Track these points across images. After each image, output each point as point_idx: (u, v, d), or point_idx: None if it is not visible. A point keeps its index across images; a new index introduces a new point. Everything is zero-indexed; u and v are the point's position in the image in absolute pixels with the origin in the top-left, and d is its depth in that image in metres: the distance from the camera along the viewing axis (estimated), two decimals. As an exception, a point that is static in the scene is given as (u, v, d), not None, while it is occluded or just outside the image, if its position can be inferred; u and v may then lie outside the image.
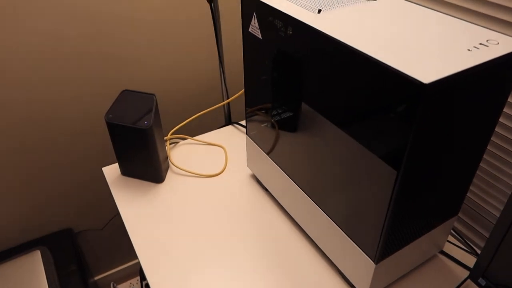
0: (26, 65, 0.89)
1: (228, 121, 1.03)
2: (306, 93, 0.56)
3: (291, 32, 0.54)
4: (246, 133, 0.78)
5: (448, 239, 0.72)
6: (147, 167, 0.82)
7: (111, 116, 0.78)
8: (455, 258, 0.68)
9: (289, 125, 0.63)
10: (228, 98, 0.98)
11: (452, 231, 0.73)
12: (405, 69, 0.40)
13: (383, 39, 0.46)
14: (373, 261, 0.54)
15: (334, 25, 0.49)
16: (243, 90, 0.94)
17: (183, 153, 0.92)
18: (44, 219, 1.12)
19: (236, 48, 1.15)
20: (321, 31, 0.48)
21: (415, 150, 0.44)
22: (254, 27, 0.61)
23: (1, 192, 1.02)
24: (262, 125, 0.71)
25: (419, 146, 0.44)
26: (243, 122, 1.00)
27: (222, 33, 1.08)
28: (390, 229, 0.51)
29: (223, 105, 1.00)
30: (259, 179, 0.80)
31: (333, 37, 0.47)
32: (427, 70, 0.39)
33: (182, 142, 0.95)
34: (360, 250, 0.56)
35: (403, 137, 0.43)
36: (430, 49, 0.43)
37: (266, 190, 0.81)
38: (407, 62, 0.41)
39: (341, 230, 0.59)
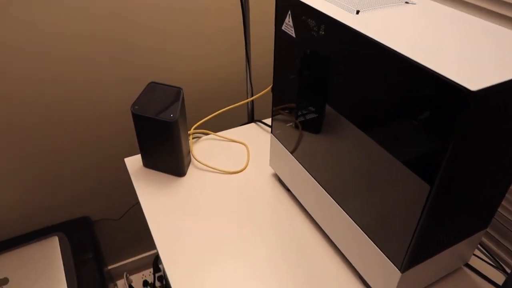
0: (58, 49, 0.90)
1: (251, 119, 1.03)
2: (335, 95, 0.55)
3: (323, 32, 0.53)
4: (271, 132, 0.77)
5: (475, 252, 0.70)
6: (170, 160, 0.82)
7: (137, 107, 0.78)
8: (480, 272, 0.66)
9: (316, 127, 0.62)
10: (252, 95, 0.98)
11: (478, 245, 0.71)
12: (450, 74, 0.38)
13: (424, 43, 0.44)
14: (399, 270, 0.53)
15: (373, 26, 0.48)
16: (268, 88, 0.93)
17: (205, 148, 0.91)
18: (63, 205, 1.13)
19: (262, 44, 1.14)
20: (361, 32, 0.47)
21: (452, 164, 0.42)
22: (288, 25, 0.60)
23: (23, 176, 1.03)
24: (288, 125, 0.70)
25: (457, 159, 0.42)
26: (266, 120, 1.00)
27: (251, 28, 1.08)
28: (419, 239, 0.49)
29: (247, 102, 0.99)
30: (282, 179, 0.79)
31: (373, 38, 0.45)
32: (474, 76, 0.38)
33: (204, 137, 0.95)
34: (386, 258, 0.55)
35: (441, 149, 0.41)
36: (476, 56, 0.42)
37: (288, 190, 0.81)
38: (452, 67, 0.39)
39: (366, 236, 0.58)
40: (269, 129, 0.97)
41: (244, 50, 1.12)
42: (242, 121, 1.22)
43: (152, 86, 0.82)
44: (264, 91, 0.96)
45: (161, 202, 0.78)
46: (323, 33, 0.53)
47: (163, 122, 0.75)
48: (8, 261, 0.97)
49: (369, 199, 0.55)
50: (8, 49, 0.86)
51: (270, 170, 0.86)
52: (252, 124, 1.00)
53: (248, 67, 0.94)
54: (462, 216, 0.53)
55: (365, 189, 0.55)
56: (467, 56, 0.42)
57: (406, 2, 0.55)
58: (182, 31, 1.01)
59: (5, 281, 0.92)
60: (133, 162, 0.87)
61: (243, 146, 0.92)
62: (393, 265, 0.54)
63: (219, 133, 0.96)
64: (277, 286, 0.63)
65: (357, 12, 0.52)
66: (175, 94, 0.79)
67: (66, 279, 0.93)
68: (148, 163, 0.85)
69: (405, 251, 0.51)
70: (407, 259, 0.51)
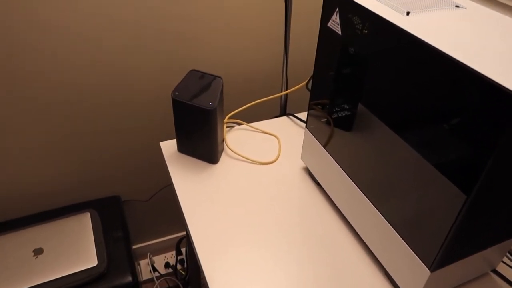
0: (103, 34, 0.94)
1: (284, 112, 1.04)
2: (377, 96, 0.56)
3: (371, 31, 0.54)
4: (306, 126, 0.78)
5: (503, 259, 0.70)
6: (204, 146, 0.84)
7: (177, 93, 0.80)
8: (507, 279, 0.66)
9: (351, 125, 0.63)
10: (287, 88, 0.99)
11: (508, 252, 0.71)
12: (498, 78, 0.39)
13: (474, 47, 0.45)
14: (429, 269, 0.54)
15: (423, 28, 0.49)
16: (303, 83, 0.94)
17: (238, 138, 0.93)
18: (96, 184, 1.18)
19: (300, 40, 1.15)
20: (411, 33, 0.48)
21: (492, 174, 0.42)
22: (335, 23, 0.61)
23: (61, 154, 1.08)
24: (323, 120, 0.71)
25: (497, 169, 0.42)
26: (298, 115, 1.01)
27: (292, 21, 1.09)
28: (451, 242, 0.50)
29: (281, 96, 1.00)
30: (313, 173, 0.81)
31: (423, 40, 0.46)
32: (525, 84, 0.38)
33: (237, 127, 0.97)
34: (416, 257, 0.56)
35: (482, 159, 0.41)
36: (527, 64, 0.42)
37: (318, 184, 0.82)
38: (501, 72, 0.40)
39: (397, 234, 0.59)
40: (301, 123, 0.99)
41: (283, 45, 1.13)
42: (274, 113, 1.24)
43: (193, 74, 0.84)
44: (299, 86, 0.97)
45: (193, 186, 0.80)
46: (370, 32, 0.54)
47: (202, 109, 0.78)
48: (43, 232, 1.01)
49: (401, 198, 0.56)
50: (53, 31, 0.89)
51: (301, 164, 0.87)
52: (284, 117, 1.01)
53: (285, 61, 0.95)
54: (495, 223, 0.54)
55: (398, 189, 0.56)
56: (518, 63, 0.42)
57: (457, 6, 0.55)
58: (224, 24, 1.03)
59: (40, 251, 0.97)
60: (168, 147, 0.90)
61: (274, 138, 0.94)
62: (423, 264, 0.55)
63: (252, 124, 0.98)
64: (300, 277, 0.65)
65: (408, 13, 0.52)
66: (215, 82, 0.81)
67: (97, 254, 0.97)
68: (183, 148, 0.88)
69: (436, 251, 0.52)
70: (438, 259, 0.52)
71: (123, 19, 0.93)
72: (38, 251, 0.97)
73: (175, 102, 0.80)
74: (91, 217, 1.07)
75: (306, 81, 0.94)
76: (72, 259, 0.96)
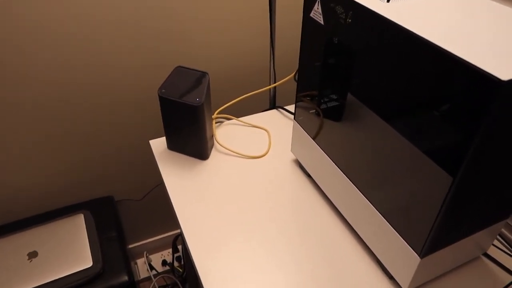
0: (87, 33, 0.93)
1: (273, 105, 1.04)
2: (362, 84, 0.55)
3: (352, 20, 0.54)
4: (294, 118, 0.78)
5: (494, 243, 0.70)
6: (194, 143, 0.84)
7: (164, 90, 0.80)
8: (499, 262, 0.67)
9: (339, 115, 0.63)
10: (275, 81, 0.99)
11: (498, 235, 0.72)
12: (479, 63, 0.39)
13: (455, 32, 0.45)
14: (419, 256, 0.54)
15: (404, 15, 0.48)
16: (291, 75, 0.94)
17: (228, 133, 0.93)
18: (88, 185, 1.17)
19: (286, 31, 1.14)
20: (391, 20, 0.47)
21: (477, 157, 0.43)
22: (317, 13, 0.61)
23: (51, 156, 1.07)
24: (311, 112, 0.71)
25: (482, 152, 0.43)
26: (288, 107, 1.01)
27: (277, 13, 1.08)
28: (439, 227, 0.50)
29: (269, 88, 1.00)
30: (303, 164, 0.81)
31: (403, 26, 0.46)
32: (504, 67, 0.38)
33: (226, 122, 0.97)
34: (406, 244, 0.56)
35: (466, 141, 0.42)
36: (508, 45, 0.42)
37: (308, 176, 0.82)
38: (483, 57, 0.40)
39: (386, 222, 0.59)
40: (290, 115, 0.99)
41: (269, 37, 1.13)
42: (264, 107, 1.23)
43: (179, 70, 0.84)
44: (287, 78, 0.97)
45: (184, 183, 0.80)
46: (352, 21, 0.54)
47: (189, 105, 0.77)
48: (37, 236, 1.01)
49: (390, 186, 0.56)
50: (39, 32, 0.88)
51: (291, 156, 0.87)
52: (274, 110, 1.01)
53: (272, 53, 0.95)
54: (483, 207, 0.54)
55: (386, 177, 0.56)
56: (499, 45, 0.42)
57: (437, -9, 0.55)
58: (208, 17, 1.02)
59: (35, 254, 0.97)
60: (158, 145, 0.90)
61: (264, 131, 0.94)
62: (412, 250, 0.55)
63: (241, 118, 0.98)
64: (295, 270, 0.65)
65: (388, 0, 0.52)
66: (201, 78, 0.81)
67: (92, 255, 0.97)
68: (173, 145, 0.87)
69: (425, 237, 0.52)
70: (427, 245, 0.53)
71: (107, 18, 0.92)
72: (32, 255, 0.97)
73: (162, 100, 0.80)
74: (84, 218, 1.06)
75: (294, 73, 0.93)
76: (67, 261, 0.96)
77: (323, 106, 0.67)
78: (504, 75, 0.37)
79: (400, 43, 0.47)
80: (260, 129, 0.94)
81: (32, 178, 1.09)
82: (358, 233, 0.68)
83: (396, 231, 0.57)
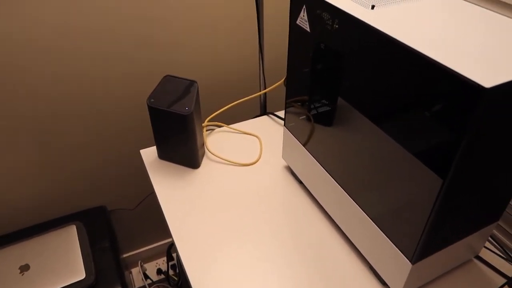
0: (75, 44, 0.92)
1: (264, 111, 1.04)
2: (348, 89, 0.55)
3: (338, 27, 0.54)
4: (284, 125, 0.78)
5: (485, 245, 0.70)
6: (185, 152, 0.83)
7: (152, 100, 0.79)
8: (491, 264, 0.67)
9: (328, 120, 0.63)
10: (265, 87, 0.99)
11: (489, 237, 0.72)
12: (463, 71, 0.39)
13: (440, 39, 0.45)
14: (410, 262, 0.54)
15: (388, 22, 0.48)
16: (281, 81, 0.94)
17: (218, 141, 0.93)
18: (80, 195, 1.16)
19: (274, 37, 1.14)
20: (374, 27, 0.47)
21: (465, 159, 0.43)
22: (303, 20, 0.61)
23: (42, 168, 1.06)
24: (301, 118, 0.71)
25: (470, 154, 0.43)
26: (278, 113, 1.01)
27: (265, 20, 1.08)
28: (430, 232, 0.50)
29: (260, 95, 1.00)
30: (294, 171, 0.80)
31: (387, 34, 0.46)
32: (487, 73, 0.38)
33: (217, 129, 0.97)
34: (397, 250, 0.56)
35: (454, 144, 0.42)
36: (491, 52, 0.42)
37: (300, 182, 0.82)
38: (466, 64, 0.40)
39: (378, 228, 0.59)
40: (281, 121, 0.99)
41: (258, 43, 1.13)
42: (255, 113, 1.23)
43: (167, 79, 0.83)
44: (277, 84, 0.97)
45: (176, 193, 0.80)
46: (337, 27, 0.54)
47: (178, 114, 0.77)
48: (29, 249, 1.00)
49: (381, 191, 0.56)
50: (25, 44, 0.88)
51: (283, 163, 0.87)
52: (265, 117, 1.01)
53: (261, 60, 0.95)
54: (474, 209, 0.54)
55: (377, 182, 0.56)
56: (483, 52, 0.42)
57: (421, -3, 0.55)
58: (195, 25, 1.02)
59: (27, 267, 0.96)
60: (149, 154, 0.89)
61: (255, 138, 0.94)
62: (404, 256, 0.55)
63: (232, 126, 0.97)
64: (289, 276, 0.65)
65: (372, 7, 0.52)
66: (190, 87, 0.81)
67: (84, 266, 0.96)
68: (163, 155, 0.87)
69: (416, 243, 0.52)
70: (418, 251, 0.53)
71: (94, 28, 0.92)
72: (24, 268, 0.96)
73: (151, 109, 0.79)
74: (77, 229, 1.05)
75: (284, 78, 0.93)
76: (59, 274, 0.95)
77: (313, 111, 0.67)
78: (487, 83, 0.37)
79: (384, 50, 0.47)
80: (251, 136, 0.94)
81: (22, 190, 1.08)
82: (350, 239, 0.68)
83: (388, 237, 0.57)
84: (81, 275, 0.95)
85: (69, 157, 1.08)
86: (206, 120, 0.96)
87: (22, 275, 0.94)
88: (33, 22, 0.86)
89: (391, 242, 0.57)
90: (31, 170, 1.05)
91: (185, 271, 0.67)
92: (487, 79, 0.38)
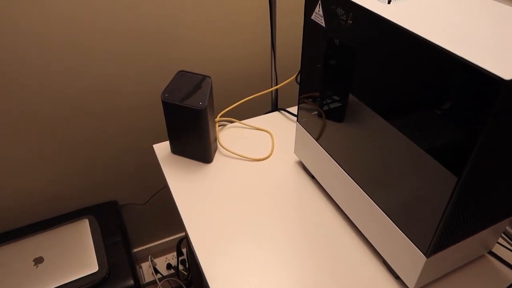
0: (90, 41, 0.93)
1: (275, 107, 1.04)
2: (364, 85, 0.56)
3: (353, 22, 0.54)
4: (297, 120, 0.79)
5: (498, 240, 0.70)
6: (198, 147, 0.84)
7: (167, 95, 0.80)
8: (503, 260, 0.67)
9: (342, 116, 0.63)
10: (277, 83, 0.99)
11: (502, 233, 0.72)
12: (482, 63, 0.39)
13: (457, 32, 0.45)
14: (425, 255, 0.54)
15: (405, 16, 0.49)
16: (292, 77, 0.95)
17: (231, 136, 0.94)
18: (93, 190, 1.18)
19: (287, 34, 1.15)
20: (392, 22, 0.48)
21: (481, 156, 0.43)
22: (318, 15, 0.62)
23: (56, 162, 1.08)
24: (314, 113, 0.72)
25: (487, 151, 0.43)
26: (290, 109, 1.01)
27: (276, 17, 1.09)
28: (444, 226, 0.51)
29: (271, 91, 1.00)
30: (307, 166, 0.81)
31: (405, 28, 0.46)
32: (507, 66, 0.39)
33: (229, 125, 0.97)
34: (411, 243, 0.56)
35: (470, 141, 0.42)
36: (509, 45, 0.42)
37: (312, 177, 0.82)
38: (485, 56, 0.40)
39: (392, 222, 0.59)
40: (293, 117, 0.99)
41: (270, 39, 1.13)
42: (266, 109, 1.24)
43: (181, 75, 0.84)
44: (288, 80, 0.97)
45: (189, 187, 0.81)
46: (353, 22, 0.55)
47: (192, 109, 0.78)
48: (43, 242, 1.01)
49: (395, 186, 0.56)
50: (42, 41, 0.89)
51: (295, 158, 0.88)
52: (276, 113, 1.01)
53: (273, 56, 0.95)
54: (488, 205, 0.54)
55: (391, 177, 0.56)
56: (502, 45, 0.42)
57: (437, -8, 0.55)
58: (209, 21, 1.03)
59: (41, 260, 0.97)
60: (162, 149, 0.90)
61: (267, 134, 0.94)
62: (418, 250, 0.55)
63: (244, 121, 0.98)
64: (300, 270, 0.66)
65: (389, 1, 0.52)
66: (204, 82, 0.81)
67: (97, 260, 0.97)
68: (176, 149, 0.88)
69: (431, 237, 0.52)
70: (433, 244, 0.53)
71: (108, 24, 0.93)
72: (38, 260, 0.97)
73: (166, 104, 0.80)
74: (89, 223, 1.07)
75: (295, 75, 0.94)
76: (72, 266, 0.96)
77: (326, 107, 0.67)
78: (506, 75, 0.37)
79: (402, 44, 0.47)
80: (263, 132, 0.95)
81: (36, 184, 1.09)
82: (363, 233, 0.68)
83: (402, 231, 0.58)
84: (94, 268, 0.96)
85: (82, 151, 1.09)
86: (219, 115, 0.96)
87: (36, 267, 0.96)
88: (51, 17, 0.87)
89: (405, 236, 0.57)
90: (45, 163, 1.07)
91: (198, 261, 0.68)
92: (507, 71, 0.38)
